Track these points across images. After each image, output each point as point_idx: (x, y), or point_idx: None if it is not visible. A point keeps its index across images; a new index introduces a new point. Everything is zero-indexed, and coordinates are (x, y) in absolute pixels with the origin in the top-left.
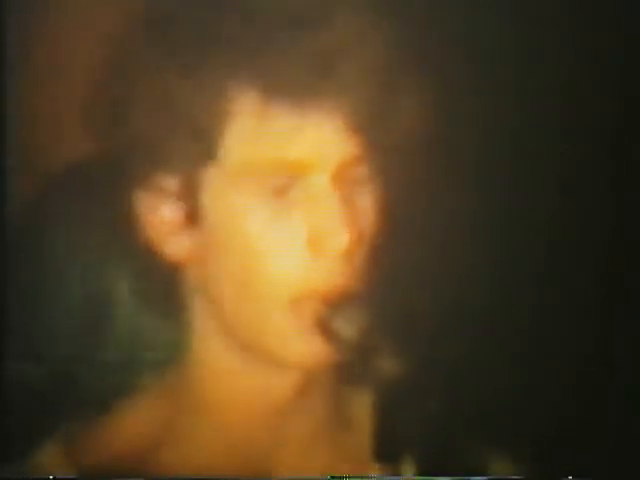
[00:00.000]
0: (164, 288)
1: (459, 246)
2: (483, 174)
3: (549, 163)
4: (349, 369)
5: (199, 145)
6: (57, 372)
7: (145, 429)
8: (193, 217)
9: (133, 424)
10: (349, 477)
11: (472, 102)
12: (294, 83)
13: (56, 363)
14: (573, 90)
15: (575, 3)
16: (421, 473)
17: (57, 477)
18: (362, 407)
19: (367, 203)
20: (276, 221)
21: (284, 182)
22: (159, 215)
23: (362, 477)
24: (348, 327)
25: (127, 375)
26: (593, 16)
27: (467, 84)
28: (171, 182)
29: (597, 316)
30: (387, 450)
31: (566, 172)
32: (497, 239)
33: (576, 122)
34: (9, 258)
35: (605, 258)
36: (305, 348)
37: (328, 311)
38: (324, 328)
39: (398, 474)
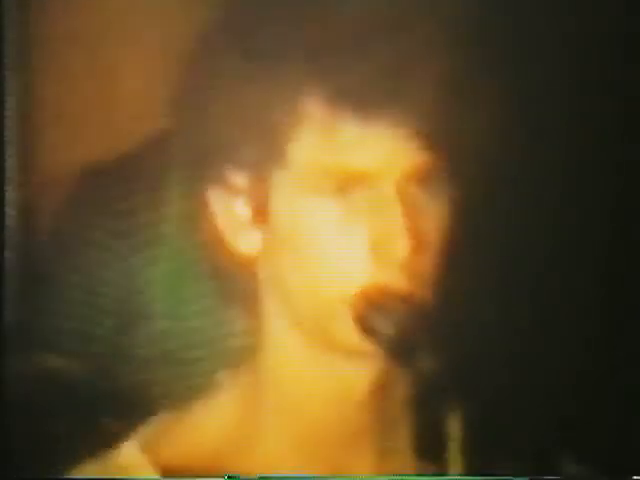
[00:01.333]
0: (235, 282)
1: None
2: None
3: (552, 162)
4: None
5: (268, 146)
6: (92, 376)
7: (217, 428)
8: (263, 214)
9: (206, 423)
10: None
11: (539, 109)
12: (362, 90)
13: (91, 366)
14: (575, 92)
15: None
16: (467, 472)
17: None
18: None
19: (435, 209)
20: (341, 225)
21: (350, 188)
22: (231, 210)
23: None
24: (388, 324)
25: (200, 372)
26: (593, 17)
27: (532, 85)
28: (243, 179)
29: (598, 316)
30: (432, 449)
31: (568, 172)
32: (501, 240)
33: (577, 122)
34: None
35: (605, 258)
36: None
37: (368, 309)
38: (364, 325)
39: (444, 473)
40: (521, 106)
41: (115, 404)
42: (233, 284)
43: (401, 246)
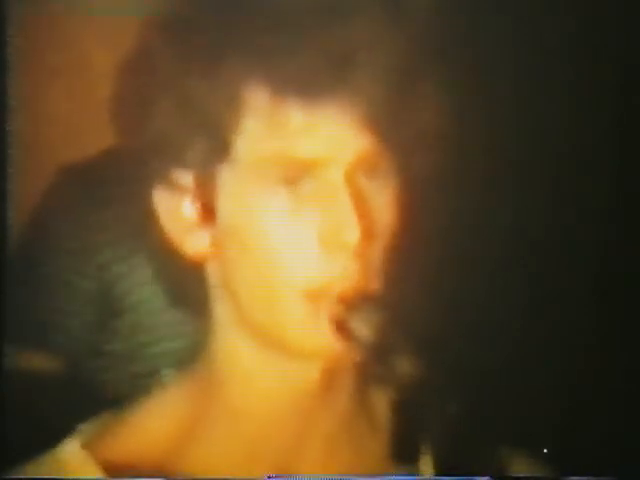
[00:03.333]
0: (184, 284)
1: (472, 244)
2: (493, 172)
3: (554, 161)
4: (366, 368)
5: (214, 142)
6: (72, 369)
7: (165, 426)
8: (210, 213)
9: (153, 421)
10: (368, 477)
11: (486, 99)
12: (308, 80)
13: (70, 359)
14: (574, 91)
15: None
16: (439, 473)
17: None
18: (381, 406)
19: (382, 199)
20: (290, 217)
21: (297, 177)
22: (177, 211)
23: (380, 476)
24: (364, 326)
25: (147, 372)
26: (593, 18)
27: (482, 81)
28: (188, 179)
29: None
30: (406, 450)
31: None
32: (514, 239)
33: (578, 123)
34: (15, 257)
35: (606, 258)
36: (321, 341)
37: (344, 310)
38: (341, 328)
39: (416, 474)
40: (473, 95)
41: (66, 400)
42: (182, 285)
43: (351, 234)
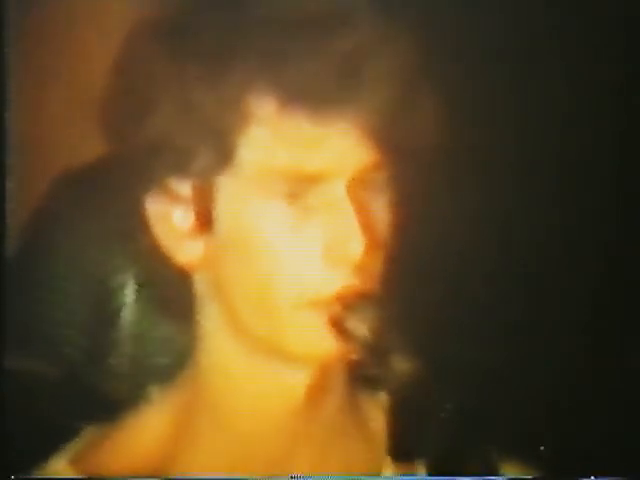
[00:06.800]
0: (174, 292)
1: (473, 248)
2: (496, 178)
3: (555, 165)
4: (364, 368)
5: (216, 150)
6: (65, 378)
7: (157, 434)
8: (206, 222)
9: (141, 433)
10: (364, 477)
11: (488, 108)
12: (312, 91)
13: (63, 368)
14: (574, 91)
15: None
16: (435, 473)
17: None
18: (377, 407)
19: (384, 210)
20: (292, 227)
21: (300, 189)
22: (171, 220)
23: (376, 477)
24: (362, 327)
25: (138, 380)
26: (593, 18)
27: (482, 82)
28: (185, 187)
29: (607, 319)
30: (401, 450)
31: (570, 174)
32: (511, 241)
33: (578, 123)
34: (13, 262)
35: (606, 258)
36: (319, 345)
37: (343, 311)
38: (338, 328)
39: (412, 474)
40: (478, 105)
41: (46, 409)
42: (170, 293)
43: (355, 247)
